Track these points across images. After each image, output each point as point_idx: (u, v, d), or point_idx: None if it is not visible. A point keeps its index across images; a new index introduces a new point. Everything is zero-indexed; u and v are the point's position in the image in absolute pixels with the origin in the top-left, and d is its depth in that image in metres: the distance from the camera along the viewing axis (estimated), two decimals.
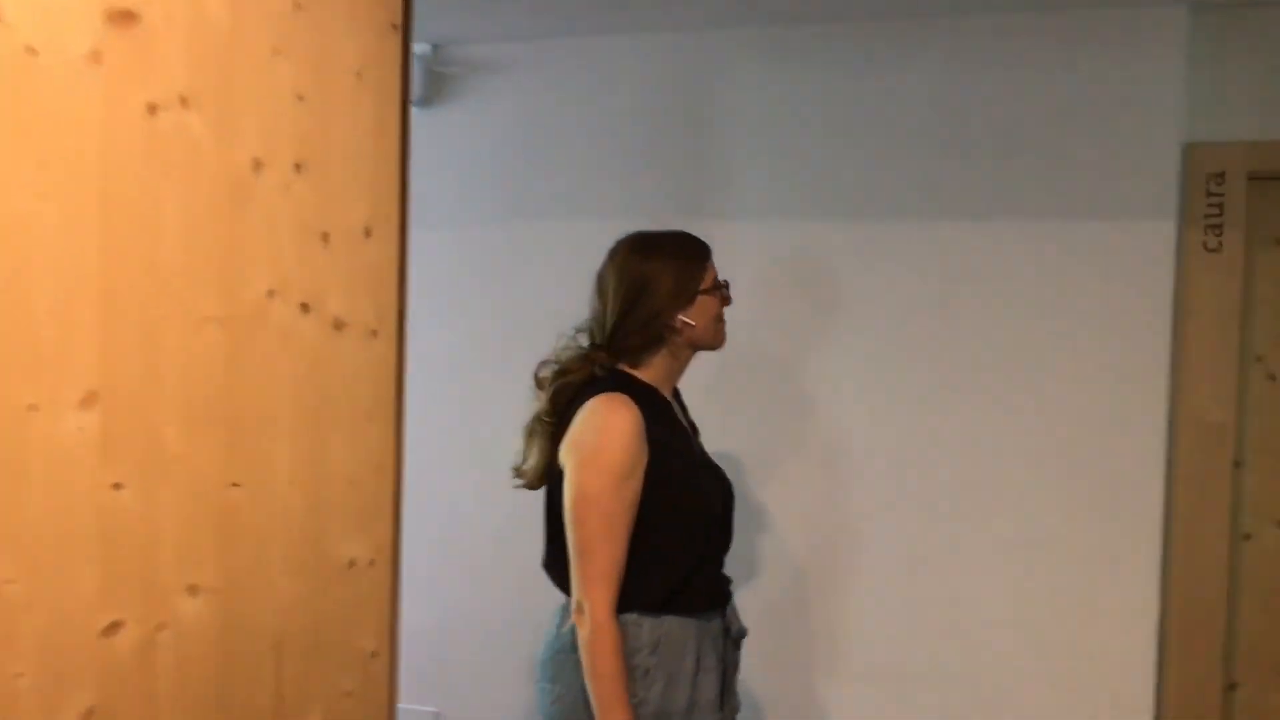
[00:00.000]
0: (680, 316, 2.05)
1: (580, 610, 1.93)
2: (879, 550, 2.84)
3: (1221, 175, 2.68)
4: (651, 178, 2.97)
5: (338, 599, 1.70)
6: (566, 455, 1.98)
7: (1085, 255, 2.69)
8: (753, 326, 2.84)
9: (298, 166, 1.63)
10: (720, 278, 2.14)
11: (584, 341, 2.11)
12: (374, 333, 1.74)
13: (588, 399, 1.99)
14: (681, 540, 2.03)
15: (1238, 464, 2.75)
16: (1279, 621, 2.80)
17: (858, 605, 2.85)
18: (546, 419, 2.07)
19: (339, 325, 1.69)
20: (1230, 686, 2.78)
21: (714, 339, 2.13)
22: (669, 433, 2.05)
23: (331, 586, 1.69)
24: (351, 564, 1.71)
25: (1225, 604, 2.72)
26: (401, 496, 1.79)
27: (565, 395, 2.06)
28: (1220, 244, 2.69)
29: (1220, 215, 2.69)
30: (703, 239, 2.16)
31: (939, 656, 2.80)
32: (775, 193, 2.90)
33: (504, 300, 3.09)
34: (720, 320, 2.13)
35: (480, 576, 3.11)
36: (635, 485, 1.95)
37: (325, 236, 1.67)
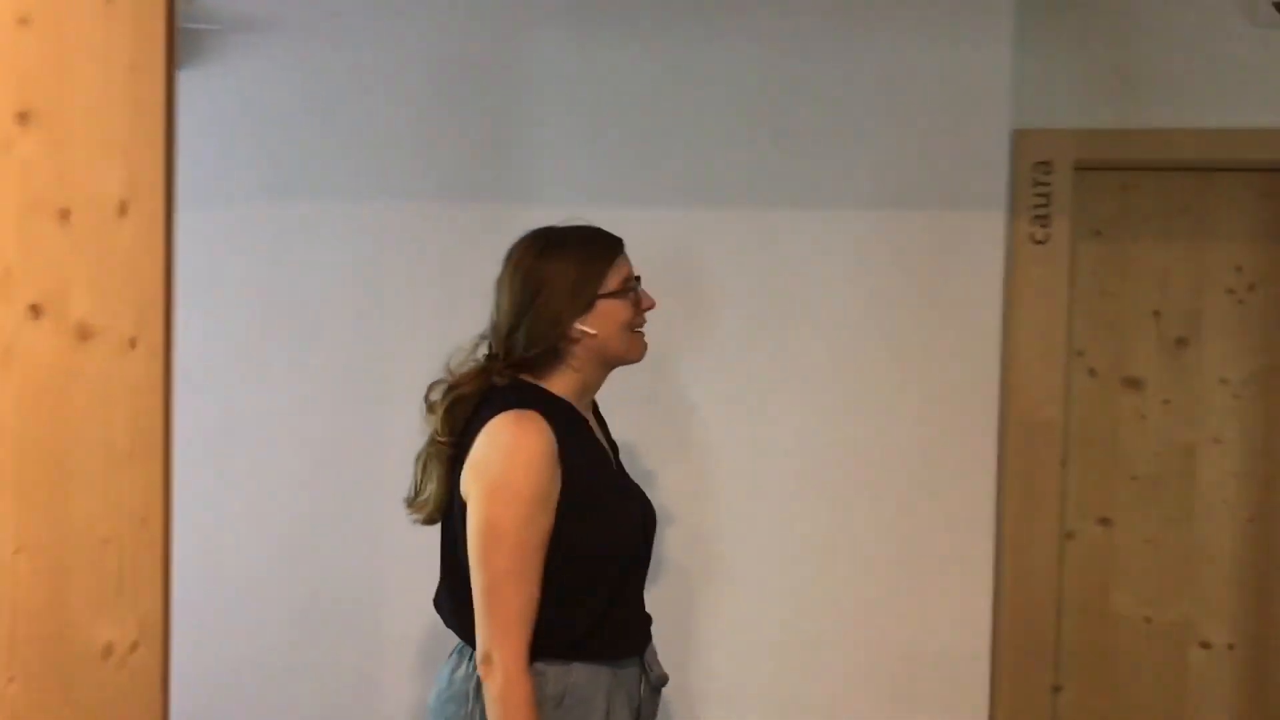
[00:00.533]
0: (578, 325, 1.79)
1: (488, 661, 1.69)
2: (703, 553, 2.59)
3: (1049, 164, 2.59)
4: (445, 154, 2.60)
5: (89, 700, 1.27)
6: (469, 483, 1.74)
7: (915, 247, 2.53)
8: None
9: (21, 117, 1.20)
10: (634, 276, 1.89)
11: (484, 352, 1.86)
12: (132, 342, 1.32)
13: (490, 416, 1.75)
14: (596, 577, 1.79)
15: (1063, 462, 2.67)
16: (1099, 621, 2.75)
17: (682, 606, 2.59)
18: (441, 440, 1.82)
19: (84, 333, 1.26)
20: (1055, 689, 2.70)
21: (623, 350, 1.86)
22: (585, 454, 1.81)
23: (79, 684, 1.26)
24: (108, 651, 1.29)
25: (1055, 605, 2.63)
26: (171, 556, 1.38)
27: (461, 412, 1.82)
28: (1047, 236, 2.60)
29: (1047, 206, 2.59)
30: (614, 234, 1.89)
31: (772, 664, 2.58)
32: (586, 175, 2.59)
33: (273, 294, 2.64)
34: (631, 329, 1.86)
35: (272, 647, 2.65)
36: (547, 518, 1.72)
37: (64, 214, 1.24)
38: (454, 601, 1.82)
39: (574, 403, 1.84)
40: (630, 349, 1.86)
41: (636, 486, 1.97)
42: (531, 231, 1.87)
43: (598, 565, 1.79)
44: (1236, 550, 2.70)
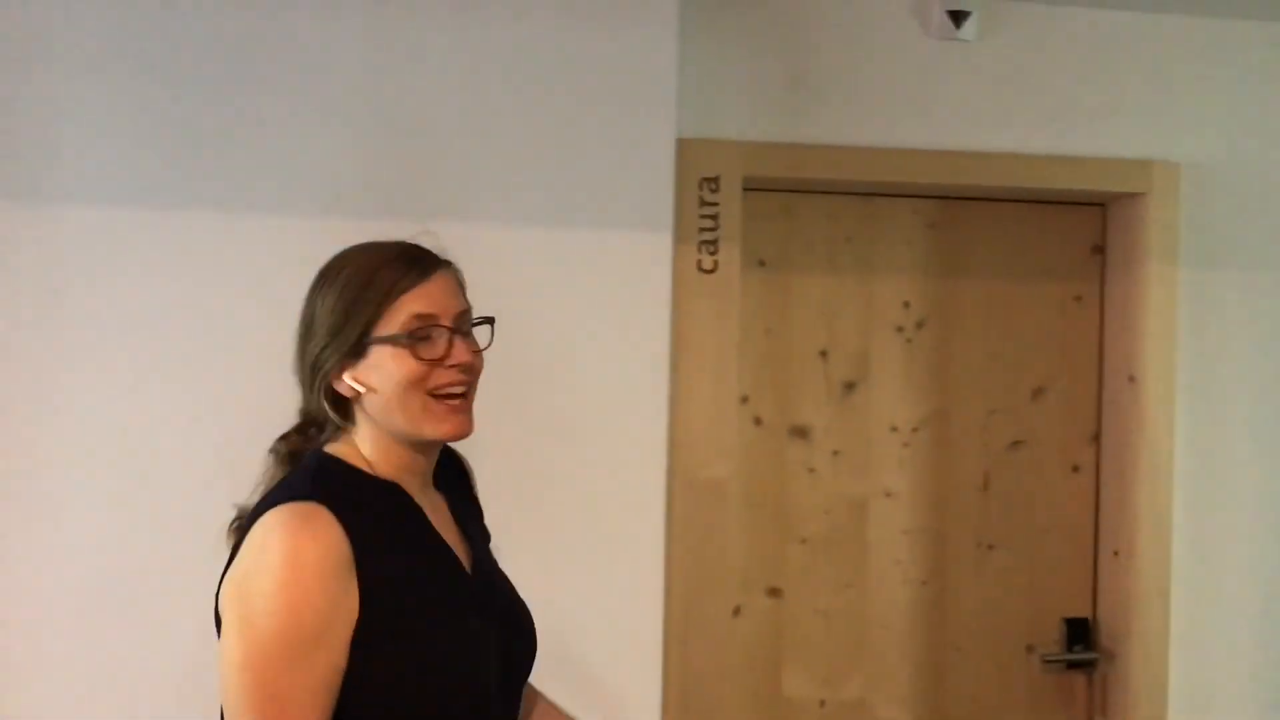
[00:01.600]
0: (347, 376, 1.34)
1: None
2: None
3: (716, 180, 2.22)
4: None
5: None
6: (224, 607, 1.30)
7: (578, 274, 2.07)
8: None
9: None
10: (447, 320, 1.36)
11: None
12: None
13: (264, 508, 1.30)
14: None
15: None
16: (770, 707, 2.40)
17: None
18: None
19: None
20: None
21: (407, 420, 1.34)
22: (404, 560, 1.34)
23: None
24: None
25: (726, 690, 2.24)
26: None
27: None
28: (715, 264, 2.22)
29: (715, 229, 2.22)
30: (431, 254, 1.39)
31: None
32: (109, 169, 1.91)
33: None
34: (421, 390, 1.33)
35: None
36: (331, 657, 1.25)
37: None
38: None
39: (402, 480, 1.38)
40: (423, 422, 1.35)
41: (502, 597, 1.48)
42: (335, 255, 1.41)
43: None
44: (911, 616, 2.45)
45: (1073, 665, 2.49)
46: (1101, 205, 2.50)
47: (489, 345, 1.42)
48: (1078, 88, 2.36)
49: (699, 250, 2.21)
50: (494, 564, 1.52)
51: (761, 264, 2.39)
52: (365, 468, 1.36)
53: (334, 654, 1.25)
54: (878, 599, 2.44)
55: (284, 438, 1.42)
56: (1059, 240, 2.50)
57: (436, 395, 1.34)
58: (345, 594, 1.26)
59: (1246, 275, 2.41)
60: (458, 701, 1.33)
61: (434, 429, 1.35)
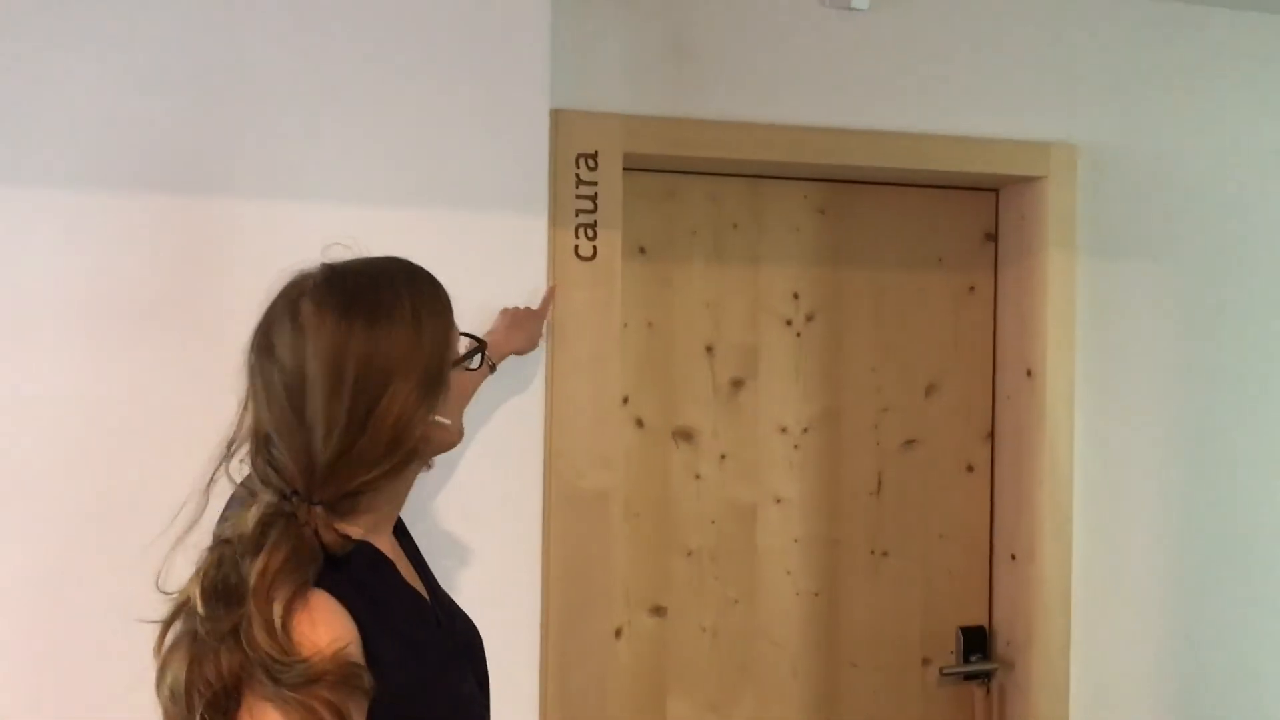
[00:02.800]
0: (436, 416, 1.22)
1: None
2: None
3: (594, 157, 1.99)
4: None
5: None
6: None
7: (440, 261, 1.80)
8: None
9: None
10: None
11: (264, 492, 1.17)
12: None
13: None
14: None
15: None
16: None
17: None
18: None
19: None
20: None
21: (452, 435, 1.29)
22: (401, 630, 1.21)
23: None
24: None
25: (603, 711, 2.02)
26: None
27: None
28: (595, 250, 2.00)
29: (594, 211, 2.00)
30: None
31: None
32: None
33: None
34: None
35: None
36: None
37: None
38: None
39: (378, 539, 1.24)
40: (458, 429, 1.32)
41: (462, 625, 1.38)
42: (317, 281, 1.21)
43: None
44: (803, 631, 2.28)
45: (970, 677, 2.36)
46: (994, 191, 2.38)
47: None
48: (973, 64, 2.22)
49: (576, 235, 1.98)
50: (444, 593, 1.41)
51: (642, 251, 2.18)
52: (351, 537, 1.19)
53: None
54: (768, 613, 2.26)
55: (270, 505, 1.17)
56: (951, 227, 2.37)
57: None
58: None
59: (1147, 263, 2.32)
60: None
61: (457, 438, 1.31)
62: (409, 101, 1.80)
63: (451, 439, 1.29)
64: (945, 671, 2.34)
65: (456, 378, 1.27)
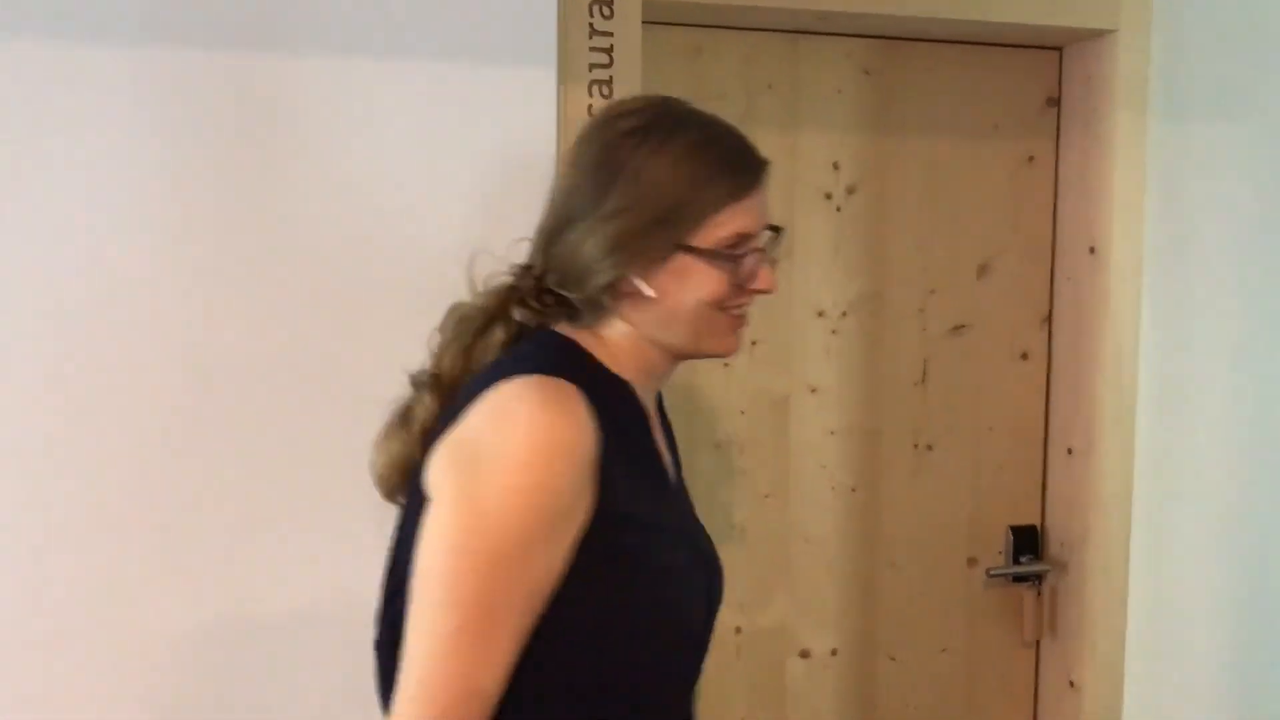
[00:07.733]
0: (635, 277, 1.17)
1: None
2: None
3: (609, 3, 1.79)
4: None
5: None
6: (441, 473, 1.09)
7: (440, 118, 1.64)
8: None
9: None
10: (761, 235, 1.23)
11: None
12: None
13: (496, 378, 1.10)
14: (627, 668, 1.13)
15: None
16: None
17: None
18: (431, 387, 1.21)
19: None
20: None
21: (694, 337, 1.21)
22: (640, 472, 1.18)
23: None
24: None
25: None
26: None
27: (460, 344, 1.23)
28: None
29: (609, 66, 1.80)
30: (757, 154, 1.25)
31: None
32: None
33: None
34: (721, 310, 1.20)
35: None
36: (556, 553, 1.06)
37: None
38: (389, 658, 1.12)
39: (637, 384, 1.23)
40: (707, 338, 1.22)
41: (702, 530, 1.31)
42: (654, 98, 1.25)
43: (632, 651, 1.13)
44: (839, 529, 2.12)
45: (1019, 579, 2.20)
46: (1058, 50, 2.15)
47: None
48: None
49: (589, 92, 1.79)
50: (688, 497, 1.35)
51: None
52: (607, 361, 1.20)
53: (556, 557, 1.06)
54: (801, 509, 2.11)
55: (522, 302, 1.21)
56: (1009, 91, 2.15)
57: (728, 311, 1.21)
58: (584, 488, 1.07)
59: (1229, 126, 2.09)
60: (676, 644, 1.18)
61: (715, 345, 1.23)
62: None
63: (677, 331, 1.20)
64: (992, 573, 2.18)
65: (704, 270, 1.17)
